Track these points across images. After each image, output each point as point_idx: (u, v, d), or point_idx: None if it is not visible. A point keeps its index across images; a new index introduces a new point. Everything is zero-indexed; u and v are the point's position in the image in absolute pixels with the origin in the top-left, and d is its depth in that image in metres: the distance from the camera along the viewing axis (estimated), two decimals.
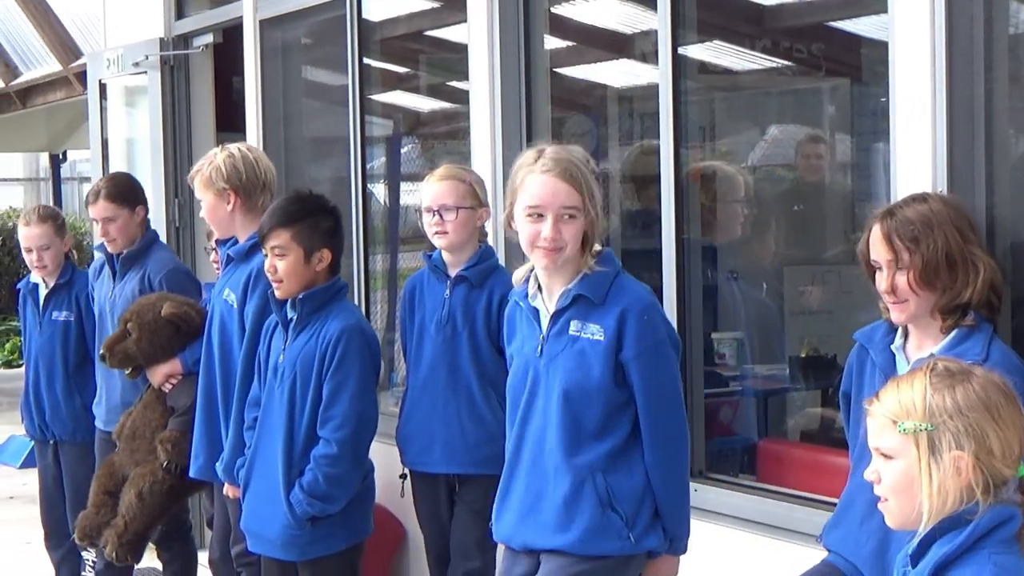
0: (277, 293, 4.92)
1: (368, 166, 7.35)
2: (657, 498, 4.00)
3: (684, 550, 4.13)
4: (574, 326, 3.93)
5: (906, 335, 3.76)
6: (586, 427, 3.93)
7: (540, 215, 3.89)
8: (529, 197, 3.91)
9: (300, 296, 4.88)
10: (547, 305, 4.01)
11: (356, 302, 6.99)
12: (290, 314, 4.93)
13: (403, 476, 5.34)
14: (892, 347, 3.76)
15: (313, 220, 4.95)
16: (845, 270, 5.84)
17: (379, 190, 8.19)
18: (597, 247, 4.01)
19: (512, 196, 3.98)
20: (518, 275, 4.10)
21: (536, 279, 4.04)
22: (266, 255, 4.90)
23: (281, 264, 4.87)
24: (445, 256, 5.14)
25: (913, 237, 3.64)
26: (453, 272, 5.12)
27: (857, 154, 6.66)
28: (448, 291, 5.11)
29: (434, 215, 5.06)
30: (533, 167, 3.93)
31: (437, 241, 5.09)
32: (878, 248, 3.71)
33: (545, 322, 4.00)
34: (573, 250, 3.92)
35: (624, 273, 4.02)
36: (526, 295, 4.05)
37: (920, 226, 3.65)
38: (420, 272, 5.30)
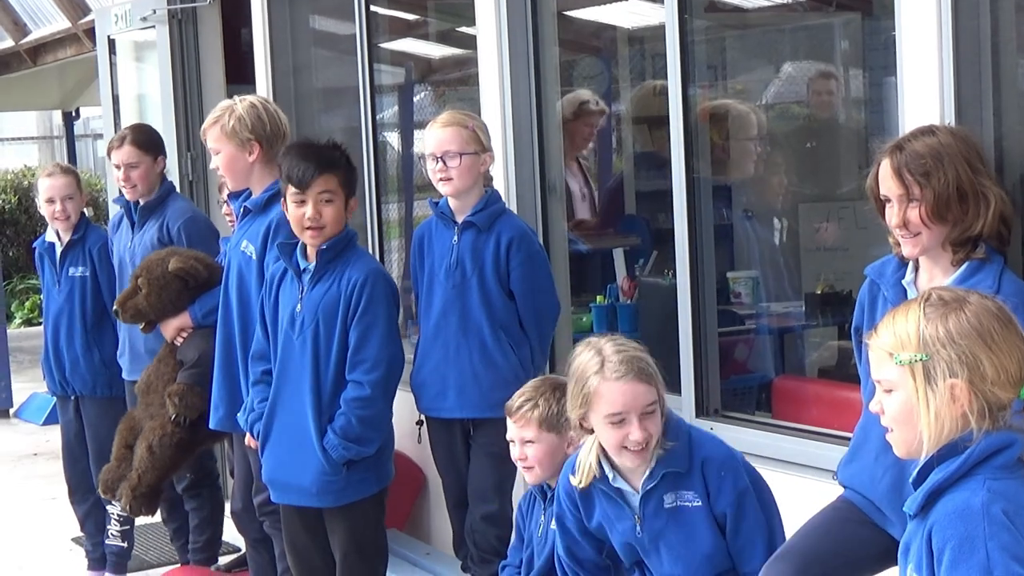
0: (315, 240, 4.89)
1: (380, 115, 7.36)
2: None
3: None
4: (668, 499, 3.87)
5: (917, 269, 3.76)
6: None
7: (623, 420, 3.80)
8: (609, 405, 3.79)
9: (324, 245, 4.89)
10: (631, 484, 3.92)
11: (370, 251, 7.01)
12: (302, 264, 4.95)
13: (419, 423, 5.37)
14: (903, 282, 3.76)
15: (350, 167, 5.00)
16: (860, 206, 5.83)
17: (392, 138, 8.20)
18: None
19: (583, 405, 3.84)
20: (583, 465, 3.94)
21: (606, 460, 3.92)
22: (302, 202, 4.87)
23: (328, 210, 4.88)
24: (451, 202, 5.14)
25: (924, 171, 3.63)
26: (460, 218, 5.12)
27: (869, 89, 6.65)
28: (456, 237, 5.11)
29: (438, 162, 5.06)
30: (603, 373, 3.80)
31: (442, 188, 5.10)
32: (888, 183, 3.70)
33: (634, 500, 3.92)
34: (657, 438, 3.86)
35: (693, 431, 3.95)
36: (603, 478, 3.93)
37: (930, 160, 3.63)
38: (428, 220, 5.30)
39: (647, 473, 3.85)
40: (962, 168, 3.64)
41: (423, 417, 5.35)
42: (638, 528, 3.91)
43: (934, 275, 3.69)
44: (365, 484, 4.96)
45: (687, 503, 3.86)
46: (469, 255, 5.08)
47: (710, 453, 3.88)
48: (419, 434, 5.40)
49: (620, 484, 3.91)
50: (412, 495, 6.50)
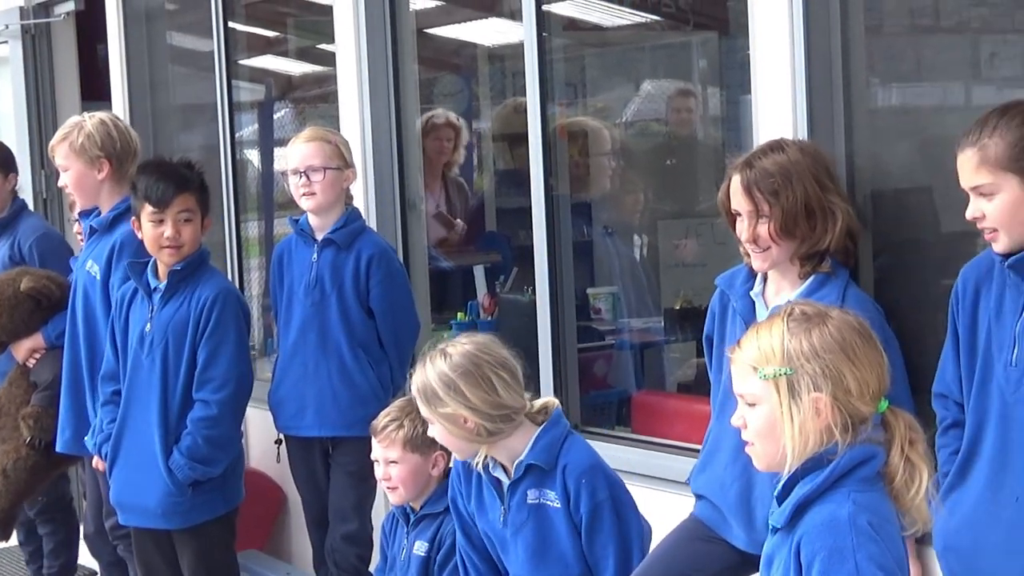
0: (172, 258, 4.87)
1: (240, 132, 7.30)
2: None
3: None
4: (532, 495, 3.86)
5: (765, 281, 3.82)
6: None
7: None
8: None
9: (179, 265, 4.85)
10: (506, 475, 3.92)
11: (229, 269, 6.95)
12: (153, 283, 4.91)
13: (278, 441, 5.33)
14: (751, 293, 3.82)
15: (204, 186, 5.00)
16: (718, 222, 5.86)
17: (253, 156, 8.13)
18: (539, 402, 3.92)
19: None
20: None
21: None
22: (159, 221, 4.84)
23: (187, 229, 4.87)
24: (312, 220, 5.12)
25: (773, 190, 3.69)
26: (320, 236, 5.09)
27: (727, 106, 6.71)
28: (315, 255, 5.08)
29: (301, 176, 5.03)
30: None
31: (304, 203, 5.07)
32: (738, 199, 3.75)
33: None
34: (455, 445, 3.84)
35: (571, 436, 3.92)
36: (487, 467, 3.93)
37: (780, 178, 3.69)
38: (288, 238, 5.27)
39: (515, 463, 3.86)
40: (810, 185, 3.71)
41: (282, 436, 5.30)
42: (502, 519, 3.91)
43: (781, 287, 3.76)
44: (212, 505, 4.92)
45: (548, 502, 3.86)
46: (328, 273, 5.05)
47: (574, 459, 3.86)
48: (278, 453, 5.36)
49: (498, 473, 3.91)
50: (272, 515, 6.44)
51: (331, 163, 5.04)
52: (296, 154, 5.08)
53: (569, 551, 3.85)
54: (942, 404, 3.52)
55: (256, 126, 8.09)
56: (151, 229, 4.86)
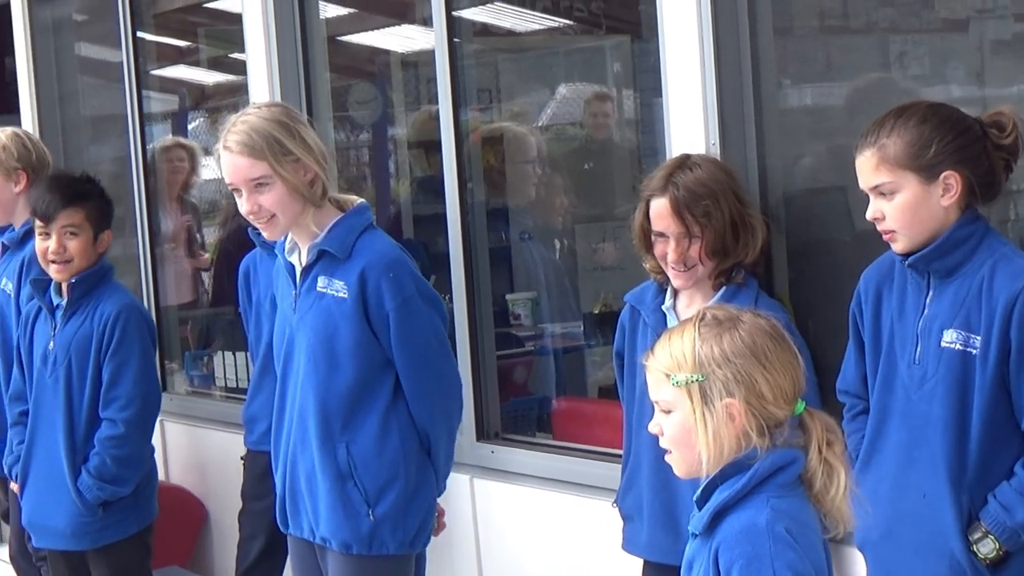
0: (61, 275, 4.83)
1: (155, 143, 7.25)
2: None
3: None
4: (321, 282, 3.87)
5: (675, 294, 3.83)
6: (335, 391, 3.86)
7: (239, 191, 3.87)
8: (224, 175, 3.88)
9: (73, 280, 4.80)
10: (300, 259, 3.94)
11: (143, 283, 6.89)
12: (55, 300, 4.87)
13: (244, 458, 5.24)
14: (663, 307, 3.82)
15: (100, 201, 4.94)
16: None
17: None
18: (352, 197, 3.95)
19: None
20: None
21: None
22: (47, 235, 4.81)
23: (73, 244, 4.82)
24: None
25: (705, 211, 3.69)
26: None
27: (641, 110, 6.73)
28: None
29: None
30: (219, 145, 3.87)
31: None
32: (667, 222, 3.74)
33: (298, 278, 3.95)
34: (288, 217, 3.85)
35: (375, 228, 3.94)
36: (284, 248, 3.98)
37: (709, 199, 3.70)
38: (253, 252, 5.17)
39: (310, 245, 3.86)
40: (732, 203, 3.74)
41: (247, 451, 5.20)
42: (294, 304, 3.91)
43: (694, 300, 3.78)
44: (125, 524, 4.88)
45: (335, 292, 3.83)
46: None
47: (377, 253, 3.84)
48: (244, 470, 5.27)
49: (294, 258, 3.92)
50: (193, 530, 6.38)
51: None
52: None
53: (347, 348, 3.81)
54: (846, 397, 3.56)
55: (171, 137, 8.03)
56: (40, 243, 4.85)
